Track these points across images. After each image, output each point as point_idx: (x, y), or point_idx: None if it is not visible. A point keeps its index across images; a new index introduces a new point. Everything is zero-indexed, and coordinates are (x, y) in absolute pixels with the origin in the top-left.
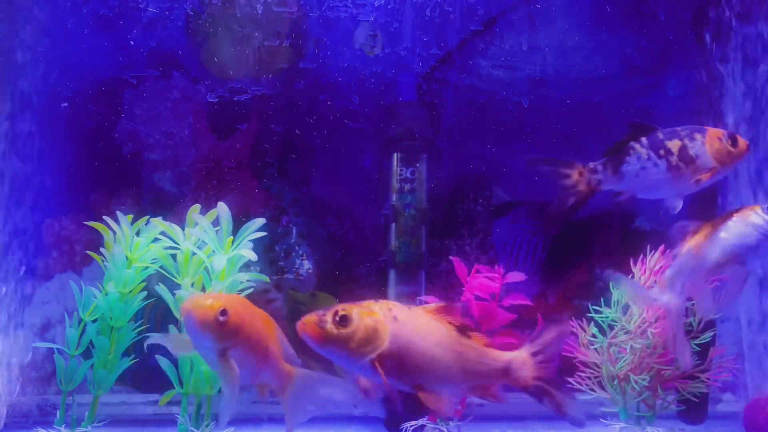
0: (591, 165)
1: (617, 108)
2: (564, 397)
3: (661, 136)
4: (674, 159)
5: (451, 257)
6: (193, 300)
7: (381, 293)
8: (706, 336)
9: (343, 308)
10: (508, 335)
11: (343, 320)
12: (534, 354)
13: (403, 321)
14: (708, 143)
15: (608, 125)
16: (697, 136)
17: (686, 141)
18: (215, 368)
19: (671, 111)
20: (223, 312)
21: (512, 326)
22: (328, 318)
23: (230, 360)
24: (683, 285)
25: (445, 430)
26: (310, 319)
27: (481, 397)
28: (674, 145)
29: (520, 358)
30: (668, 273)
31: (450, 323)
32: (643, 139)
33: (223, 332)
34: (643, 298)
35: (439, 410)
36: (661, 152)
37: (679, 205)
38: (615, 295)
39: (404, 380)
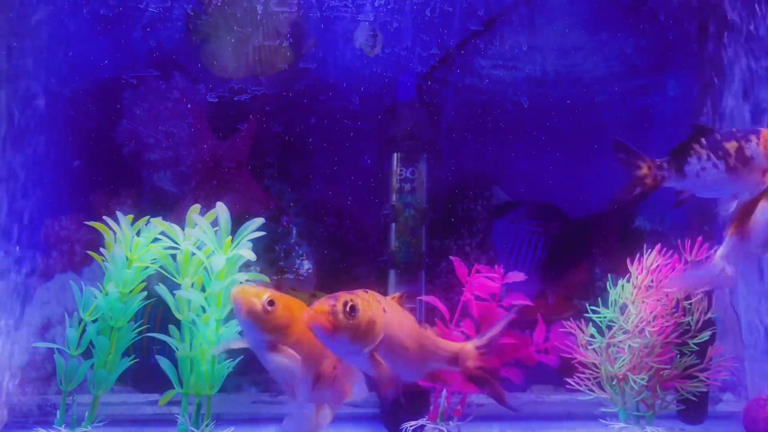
0: (658, 161)
1: (617, 108)
2: (501, 387)
3: (718, 137)
4: (732, 160)
5: (451, 257)
6: (242, 287)
7: (381, 293)
8: (705, 335)
9: (350, 299)
10: (508, 335)
11: (353, 311)
12: (478, 347)
13: (389, 312)
14: (762, 144)
15: (608, 125)
16: (752, 137)
17: (742, 142)
18: (265, 362)
19: (671, 111)
20: (270, 302)
21: (512, 326)
22: (339, 308)
23: (286, 350)
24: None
25: (444, 430)
26: (322, 308)
27: (431, 383)
28: (731, 146)
29: (466, 348)
30: (721, 251)
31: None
32: (703, 140)
33: (270, 324)
34: (701, 279)
35: (388, 395)
36: (720, 153)
37: (734, 205)
38: (612, 295)
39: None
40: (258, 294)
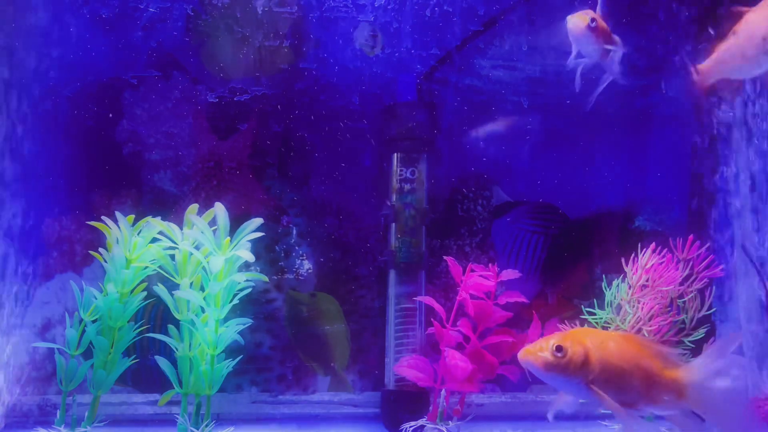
0: None
1: (617, 108)
2: None
3: None
4: None
5: (445, 257)
6: (525, 349)
7: (381, 293)
8: (700, 332)
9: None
10: (506, 333)
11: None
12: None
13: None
14: None
15: (608, 125)
16: None
17: None
18: (593, 402)
19: (671, 111)
20: (558, 348)
21: (510, 325)
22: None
23: (595, 390)
24: None
25: (444, 430)
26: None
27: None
28: None
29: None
30: None
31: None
32: None
33: (570, 367)
34: None
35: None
36: None
37: None
38: (608, 295)
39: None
40: (542, 348)
